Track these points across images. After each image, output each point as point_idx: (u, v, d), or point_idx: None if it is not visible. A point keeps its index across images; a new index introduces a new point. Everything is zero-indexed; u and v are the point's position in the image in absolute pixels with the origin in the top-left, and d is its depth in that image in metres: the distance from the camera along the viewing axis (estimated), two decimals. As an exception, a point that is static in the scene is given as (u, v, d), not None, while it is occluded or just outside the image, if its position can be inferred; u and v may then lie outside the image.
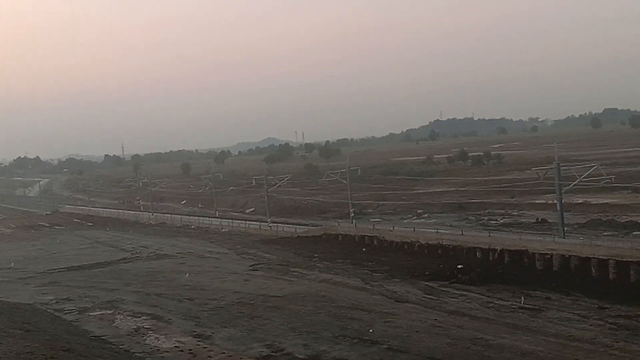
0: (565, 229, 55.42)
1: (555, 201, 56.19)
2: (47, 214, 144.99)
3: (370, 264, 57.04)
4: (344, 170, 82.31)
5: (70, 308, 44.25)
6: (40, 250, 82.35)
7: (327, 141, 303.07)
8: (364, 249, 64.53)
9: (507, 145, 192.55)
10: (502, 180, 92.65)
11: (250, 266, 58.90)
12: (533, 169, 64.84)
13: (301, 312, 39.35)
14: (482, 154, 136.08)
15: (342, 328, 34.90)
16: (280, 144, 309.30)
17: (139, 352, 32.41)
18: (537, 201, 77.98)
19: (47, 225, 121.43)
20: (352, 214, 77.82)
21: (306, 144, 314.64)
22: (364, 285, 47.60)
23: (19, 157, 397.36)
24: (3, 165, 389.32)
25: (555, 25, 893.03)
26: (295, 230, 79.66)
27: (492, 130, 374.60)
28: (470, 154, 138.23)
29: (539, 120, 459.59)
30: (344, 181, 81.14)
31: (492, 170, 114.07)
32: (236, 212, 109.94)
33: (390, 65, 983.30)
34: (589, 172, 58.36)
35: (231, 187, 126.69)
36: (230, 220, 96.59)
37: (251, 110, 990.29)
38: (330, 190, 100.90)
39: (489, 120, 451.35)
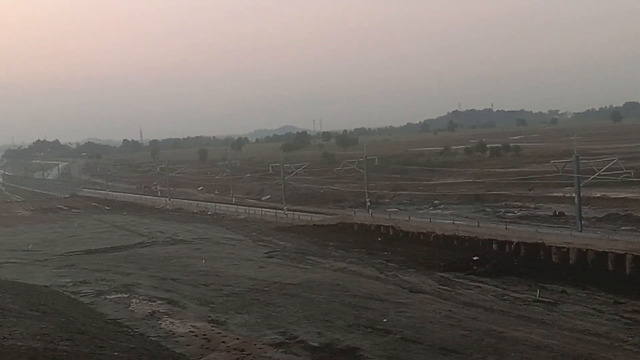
0: (583, 222, 55.07)
1: (574, 194, 55.84)
2: (65, 197, 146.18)
3: (385, 253, 57.01)
4: (361, 159, 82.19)
5: (86, 291, 44.57)
6: (58, 233, 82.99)
7: (345, 130, 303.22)
8: (379, 239, 64.50)
9: (526, 138, 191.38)
10: (520, 172, 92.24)
11: (265, 253, 59.06)
12: (552, 161, 64.26)
13: (315, 300, 39.40)
14: (500, 145, 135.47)
15: (356, 317, 34.92)
16: (297, 132, 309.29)
17: (154, 336, 32.61)
18: (554, 194, 77.54)
19: (65, 208, 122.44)
20: (368, 204, 77.74)
21: (324, 132, 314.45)
22: (379, 275, 47.60)
23: (38, 140, 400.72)
24: (22, 148, 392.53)
25: (577, 18, 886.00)
26: (311, 219, 79.73)
27: (511, 122, 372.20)
28: (488, 146, 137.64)
29: (559, 112, 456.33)
30: (361, 170, 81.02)
31: (510, 162, 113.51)
32: (252, 200, 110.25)
33: (409, 55, 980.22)
34: (608, 166, 57.87)
35: (248, 174, 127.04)
36: (247, 207, 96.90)
37: (269, 98, 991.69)
38: (347, 179, 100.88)
39: (508, 112, 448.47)
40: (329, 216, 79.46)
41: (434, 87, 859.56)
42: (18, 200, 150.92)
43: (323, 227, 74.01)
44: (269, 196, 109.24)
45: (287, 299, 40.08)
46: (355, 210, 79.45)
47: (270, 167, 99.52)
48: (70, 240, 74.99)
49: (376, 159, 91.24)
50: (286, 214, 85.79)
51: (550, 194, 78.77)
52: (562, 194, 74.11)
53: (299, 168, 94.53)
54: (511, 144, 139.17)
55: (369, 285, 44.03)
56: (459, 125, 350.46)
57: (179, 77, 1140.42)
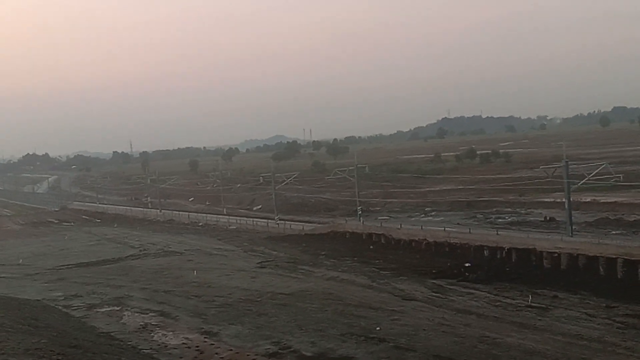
0: (574, 227, 55.22)
1: (564, 199, 56.00)
2: (55, 211, 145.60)
3: (377, 261, 57.01)
4: (351, 168, 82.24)
5: (78, 304, 44.40)
6: (49, 246, 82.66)
7: (335, 139, 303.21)
8: (371, 247, 64.51)
9: (516, 144, 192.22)
10: (510, 178, 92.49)
11: (257, 263, 58.98)
12: (541, 167, 64.66)
13: (308, 309, 39.38)
14: (490, 152, 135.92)
15: (349, 326, 34.91)
16: (288, 142, 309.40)
17: (147, 349, 32.50)
18: (545, 199, 77.80)
19: (56, 221, 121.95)
20: (360, 212, 77.74)
21: (314, 141, 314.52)
22: (371, 283, 47.59)
23: (28, 153, 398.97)
24: (12, 161, 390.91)
25: (563, 23, 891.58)
26: (303, 228, 79.68)
27: (500, 128, 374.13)
28: (478, 152, 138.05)
29: (548, 118, 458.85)
30: (352, 179, 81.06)
31: (500, 169, 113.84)
32: (244, 210, 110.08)
33: (398, 64, 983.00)
34: (597, 171, 58.11)
35: (239, 185, 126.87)
36: (238, 218, 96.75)
37: (259, 108, 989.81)
38: (338, 188, 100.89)
39: (497, 118, 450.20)
40: (320, 225, 79.42)
41: (423, 95, 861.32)
42: (8, 214, 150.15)
43: (315, 236, 73.97)
44: (260, 206, 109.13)
45: (279, 308, 40.04)
46: (347, 218, 79.45)
47: (261, 177, 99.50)
48: (61, 253, 74.70)
49: (367, 167, 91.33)
50: (278, 224, 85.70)
51: (541, 200, 79.01)
52: (552, 199, 74.32)
53: (289, 177, 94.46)
54: (501, 150, 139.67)
55: (362, 293, 44.03)
56: (448, 132, 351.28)
57: (168, 89, 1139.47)
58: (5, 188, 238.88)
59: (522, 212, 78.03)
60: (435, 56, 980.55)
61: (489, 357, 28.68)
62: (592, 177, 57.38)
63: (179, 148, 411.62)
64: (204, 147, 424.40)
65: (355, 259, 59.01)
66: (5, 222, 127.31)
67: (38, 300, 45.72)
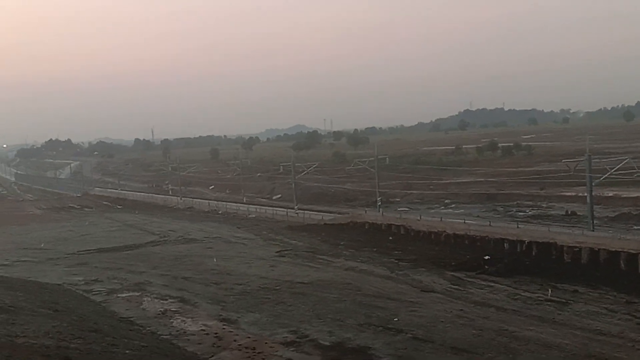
0: (595, 222, 54.83)
1: (586, 194, 55.59)
2: (77, 196, 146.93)
3: (396, 252, 56.94)
4: (371, 158, 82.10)
5: (98, 289, 44.76)
6: (70, 231, 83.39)
7: (356, 129, 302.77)
8: (390, 238, 64.42)
9: (538, 137, 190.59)
10: (532, 171, 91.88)
11: (276, 252, 59.11)
12: (563, 160, 64.02)
13: (326, 299, 39.42)
14: (512, 144, 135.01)
15: (367, 316, 34.91)
16: (308, 132, 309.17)
17: (166, 335, 32.72)
18: (566, 193, 77.25)
19: (77, 207, 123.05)
20: (379, 203, 77.68)
21: (334, 131, 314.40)
22: (390, 274, 47.54)
23: (51, 139, 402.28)
24: (35, 147, 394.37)
25: (589, 16, 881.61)
26: (322, 218, 79.72)
27: (523, 121, 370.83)
28: (500, 145, 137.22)
29: (571, 111, 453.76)
30: (372, 170, 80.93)
31: (521, 161, 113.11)
32: (263, 199, 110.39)
33: (420, 55, 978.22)
34: (620, 165, 57.59)
35: (259, 174, 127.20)
36: (258, 206, 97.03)
37: (280, 98, 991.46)
38: (358, 178, 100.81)
39: (519, 111, 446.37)
40: (339, 215, 79.43)
41: (445, 87, 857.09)
42: (30, 199, 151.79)
43: (334, 226, 74.01)
44: (279, 195, 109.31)
45: (298, 297, 40.11)
46: (366, 209, 79.39)
47: (281, 167, 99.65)
48: (82, 238, 75.33)
49: (387, 158, 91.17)
50: (297, 213, 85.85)
51: (562, 194, 78.46)
52: (574, 194, 73.79)
53: (309, 167, 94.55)
54: (523, 143, 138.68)
55: (380, 284, 44.00)
56: (470, 124, 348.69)
57: (190, 77, 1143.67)
58: (28, 173, 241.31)
59: (543, 205, 77.54)
60: (457, 48, 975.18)
61: (507, 350, 28.56)
62: (614, 171, 56.86)
63: (200, 136, 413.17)
64: (225, 136, 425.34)
65: (374, 249, 58.98)
66: (27, 206, 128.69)
67: (59, 284, 46.14)
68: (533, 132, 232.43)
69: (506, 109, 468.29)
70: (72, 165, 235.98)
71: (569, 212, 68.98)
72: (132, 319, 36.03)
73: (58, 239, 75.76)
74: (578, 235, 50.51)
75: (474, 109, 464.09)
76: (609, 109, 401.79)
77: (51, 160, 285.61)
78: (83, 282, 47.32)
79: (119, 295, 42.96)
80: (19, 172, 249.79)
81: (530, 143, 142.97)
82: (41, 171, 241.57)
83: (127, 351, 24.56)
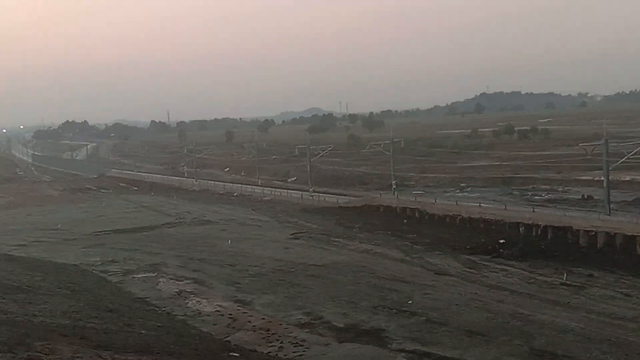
0: (612, 206, 54.45)
1: (602, 178, 55.20)
2: (93, 178, 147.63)
3: (411, 236, 56.89)
4: (387, 142, 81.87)
5: (114, 270, 45.07)
6: (87, 212, 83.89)
7: (371, 112, 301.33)
8: (405, 221, 64.36)
9: (555, 120, 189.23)
10: (549, 155, 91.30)
11: (291, 235, 59.23)
12: (580, 144, 63.51)
13: (341, 281, 39.51)
14: (528, 128, 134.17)
15: (381, 298, 34.95)
16: (323, 114, 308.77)
17: (181, 315, 32.95)
18: (583, 177, 76.74)
19: (94, 188, 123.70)
20: (394, 186, 77.53)
21: (350, 114, 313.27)
22: (404, 257, 47.55)
23: (67, 121, 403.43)
24: (52, 128, 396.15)
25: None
26: (337, 201, 79.73)
27: (540, 105, 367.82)
28: (516, 128, 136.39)
29: (588, 95, 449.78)
30: (387, 153, 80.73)
31: (538, 145, 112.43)
32: (278, 181, 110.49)
33: (436, 38, 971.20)
34: (638, 149, 57.05)
35: (274, 156, 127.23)
36: (273, 189, 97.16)
37: (296, 80, 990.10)
38: (373, 161, 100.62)
39: (536, 94, 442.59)
40: (354, 198, 79.39)
41: (462, 70, 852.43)
42: (47, 180, 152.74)
43: (349, 209, 74.01)
44: (295, 178, 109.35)
45: (312, 280, 40.23)
46: (381, 192, 79.28)
47: (296, 149, 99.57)
48: (98, 219, 75.78)
49: (402, 142, 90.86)
50: (312, 196, 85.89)
51: (579, 178, 77.95)
52: (590, 178, 73.28)
53: (324, 150, 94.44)
54: (539, 127, 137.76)
55: (395, 267, 44.04)
56: (486, 108, 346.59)
57: (206, 60, 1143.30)
58: (45, 154, 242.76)
59: (560, 189, 77.07)
60: (474, 31, 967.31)
61: (522, 333, 28.52)
62: (631, 155, 56.33)
63: (215, 119, 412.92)
64: (240, 118, 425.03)
65: (389, 232, 58.95)
66: (44, 187, 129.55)
67: (75, 264, 46.50)
68: (550, 115, 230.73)
69: (523, 92, 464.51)
70: (88, 146, 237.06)
71: (586, 196, 68.50)
72: (147, 299, 36.29)
73: (75, 219, 76.23)
74: (594, 219, 50.22)
75: (490, 93, 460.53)
76: (627, 92, 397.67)
77: (68, 142, 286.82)
78: (99, 263, 47.66)
79: (134, 276, 43.24)
80: (36, 153, 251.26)
81: (547, 127, 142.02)
82: (58, 153, 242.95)
83: (142, 331, 24.77)
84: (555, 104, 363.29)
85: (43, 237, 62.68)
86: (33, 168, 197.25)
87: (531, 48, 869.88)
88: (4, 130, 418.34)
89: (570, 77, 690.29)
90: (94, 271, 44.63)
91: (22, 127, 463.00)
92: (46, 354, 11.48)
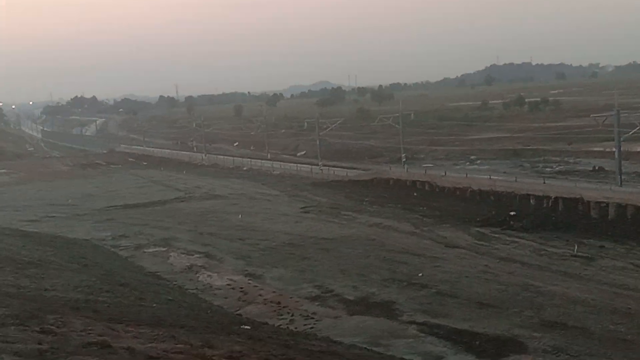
0: (623, 177, 54.09)
1: (614, 149, 54.79)
2: (103, 153, 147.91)
3: (421, 209, 56.81)
4: (396, 114, 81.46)
5: (125, 244, 45.35)
6: (97, 187, 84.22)
7: (380, 85, 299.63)
8: (415, 194, 64.23)
9: (566, 91, 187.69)
10: (559, 127, 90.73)
11: (301, 208, 59.28)
12: (592, 115, 63.04)
13: (351, 254, 39.58)
14: (539, 99, 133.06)
15: (391, 271, 35.02)
16: (332, 88, 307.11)
17: (192, 289, 33.16)
18: (594, 149, 76.19)
19: (103, 163, 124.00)
20: (404, 159, 77.27)
21: (359, 87, 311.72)
22: (415, 230, 47.52)
23: (76, 96, 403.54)
24: (60, 104, 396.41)
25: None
26: (346, 174, 79.58)
27: (551, 75, 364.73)
28: (527, 100, 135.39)
29: (600, 66, 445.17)
30: (397, 126, 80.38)
31: (549, 117, 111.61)
32: (287, 155, 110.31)
33: (445, 9, 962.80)
34: (649, 120, 56.58)
35: (283, 130, 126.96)
36: (282, 163, 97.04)
37: (304, 54, 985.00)
38: (382, 134, 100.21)
39: (547, 65, 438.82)
40: (364, 172, 79.19)
41: (472, 41, 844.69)
42: (57, 156, 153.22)
43: (358, 183, 73.90)
44: (304, 152, 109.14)
45: (322, 253, 40.33)
46: (391, 165, 79.07)
47: (305, 123, 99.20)
48: (108, 195, 76.07)
49: (412, 114, 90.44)
50: (321, 170, 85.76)
51: (590, 149, 77.38)
52: (602, 149, 72.72)
53: (334, 124, 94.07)
54: (550, 98, 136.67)
55: (405, 240, 44.04)
56: (497, 79, 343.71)
57: (213, 33, 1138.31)
58: (55, 130, 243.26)
59: (571, 161, 76.57)
60: (484, 2, 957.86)
61: (532, 305, 28.54)
62: (643, 126, 55.88)
63: (223, 93, 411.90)
64: (249, 93, 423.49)
65: (399, 205, 58.88)
66: (54, 163, 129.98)
67: (86, 239, 46.81)
68: (561, 86, 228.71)
69: (534, 63, 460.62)
70: (97, 122, 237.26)
71: (597, 168, 68.03)
72: (158, 273, 36.53)
73: (85, 195, 76.55)
74: (605, 190, 49.97)
75: (500, 64, 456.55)
76: (639, 62, 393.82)
77: (77, 118, 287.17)
78: (110, 238, 47.94)
79: (145, 250, 43.51)
80: (45, 129, 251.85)
81: (557, 98, 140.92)
82: (67, 128, 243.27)
83: (154, 304, 24.90)
84: (566, 74, 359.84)
85: (54, 212, 63.03)
86: (43, 144, 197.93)
87: (542, 18, 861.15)
88: (13, 107, 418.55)
89: (581, 48, 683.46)
90: (105, 246, 44.95)
91: (31, 103, 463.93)
92: (58, 327, 11.52)
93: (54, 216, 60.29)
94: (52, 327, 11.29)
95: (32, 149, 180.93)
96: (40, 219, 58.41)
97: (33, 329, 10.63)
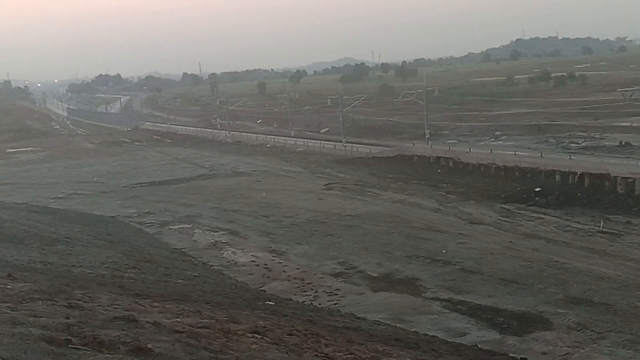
0: (650, 153, 53.50)
1: (641, 124, 54.13)
2: (128, 131, 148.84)
3: (444, 185, 56.59)
4: (420, 90, 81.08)
5: (151, 221, 45.72)
6: (122, 165, 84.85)
7: (404, 61, 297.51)
8: (438, 170, 63.99)
9: (592, 66, 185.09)
10: (586, 101, 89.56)
11: (324, 185, 59.31)
12: (618, 90, 62.30)
13: (374, 231, 39.60)
14: (565, 74, 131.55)
15: (415, 248, 35.00)
16: (356, 64, 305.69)
17: (217, 265, 33.43)
18: (621, 124, 75.28)
19: (128, 141, 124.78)
20: (428, 135, 76.92)
21: (382, 64, 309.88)
22: (438, 207, 47.38)
23: (101, 74, 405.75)
24: (85, 82, 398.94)
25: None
26: (370, 151, 79.41)
27: (577, 50, 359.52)
28: (552, 75, 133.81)
29: (627, 39, 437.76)
30: (420, 102, 79.97)
31: (575, 92, 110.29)
32: (311, 132, 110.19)
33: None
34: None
35: (306, 107, 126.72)
36: (305, 140, 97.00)
37: (327, 30, 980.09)
38: (406, 111, 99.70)
39: (573, 39, 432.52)
40: (387, 148, 78.96)
41: (497, 15, 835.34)
42: (82, 133, 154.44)
43: (382, 159, 73.72)
44: (327, 129, 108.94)
45: (346, 230, 40.38)
46: (415, 142, 78.74)
47: (328, 100, 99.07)
48: (134, 172, 76.62)
49: (436, 90, 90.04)
50: (345, 147, 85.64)
51: (617, 124, 76.46)
52: (628, 124, 71.91)
53: (357, 100, 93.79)
54: (576, 73, 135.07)
55: (428, 216, 43.96)
56: (522, 54, 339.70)
57: (236, 10, 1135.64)
58: (80, 108, 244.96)
59: (597, 136, 75.71)
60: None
61: (557, 281, 28.40)
62: (672, 100, 55.09)
63: (247, 70, 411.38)
64: (272, 69, 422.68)
65: (423, 182, 58.69)
66: (80, 141, 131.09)
67: (112, 216, 47.26)
68: (587, 61, 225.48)
69: (560, 37, 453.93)
70: (122, 100, 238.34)
71: (623, 143, 67.24)
72: (184, 250, 36.84)
73: (111, 172, 77.18)
74: (632, 166, 49.43)
75: (526, 38, 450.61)
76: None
77: (102, 95, 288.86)
78: (136, 215, 48.36)
79: (171, 227, 43.85)
80: (70, 107, 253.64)
81: (584, 72, 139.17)
82: (92, 106, 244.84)
83: (179, 280, 25.16)
84: (593, 48, 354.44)
85: (80, 189, 63.65)
86: (68, 122, 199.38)
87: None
88: (39, 84, 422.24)
89: (608, 21, 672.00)
90: (131, 223, 45.36)
91: (56, 80, 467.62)
92: (85, 302, 11.69)
93: (80, 193, 60.89)
94: (79, 302, 11.46)
95: (58, 126, 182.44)
96: (67, 196, 59.03)
97: (60, 304, 10.80)
